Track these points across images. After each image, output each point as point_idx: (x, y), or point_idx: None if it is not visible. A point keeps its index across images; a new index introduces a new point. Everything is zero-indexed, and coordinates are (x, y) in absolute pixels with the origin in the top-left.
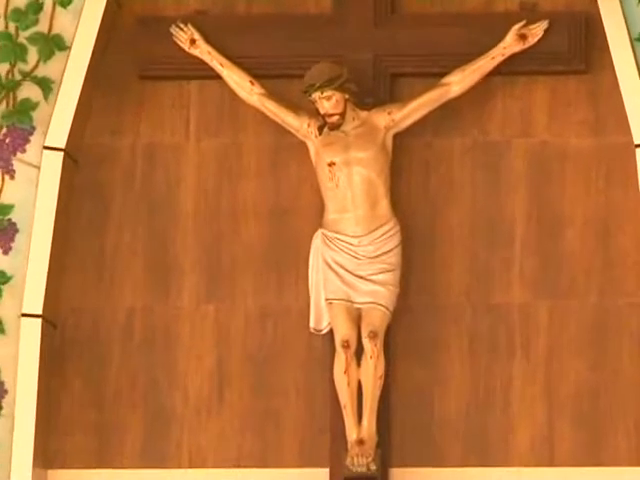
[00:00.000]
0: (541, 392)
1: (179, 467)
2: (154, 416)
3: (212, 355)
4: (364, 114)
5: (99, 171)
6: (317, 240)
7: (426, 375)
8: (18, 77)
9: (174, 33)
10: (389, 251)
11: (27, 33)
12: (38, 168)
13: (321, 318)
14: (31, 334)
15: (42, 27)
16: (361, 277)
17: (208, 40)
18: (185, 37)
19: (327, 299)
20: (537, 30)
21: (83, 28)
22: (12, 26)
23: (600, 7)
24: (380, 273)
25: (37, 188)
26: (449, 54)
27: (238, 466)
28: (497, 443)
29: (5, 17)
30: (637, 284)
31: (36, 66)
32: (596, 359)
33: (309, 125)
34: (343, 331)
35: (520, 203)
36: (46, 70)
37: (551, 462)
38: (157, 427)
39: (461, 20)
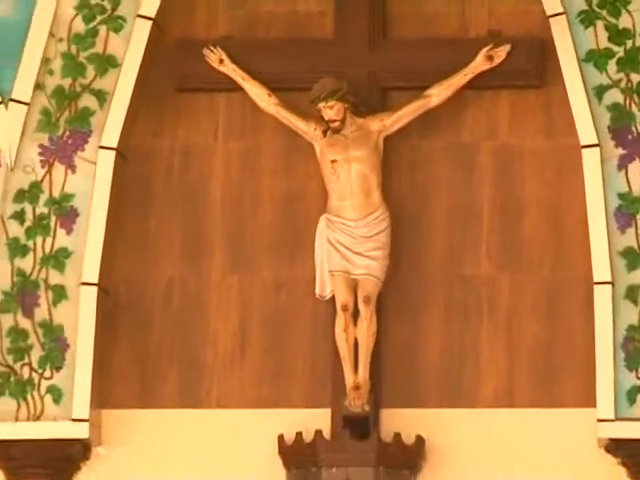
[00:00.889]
0: (503, 348)
1: (209, 407)
2: (188, 367)
3: (236, 318)
4: (360, 120)
5: (144, 166)
6: (322, 223)
7: (410, 333)
8: (79, 89)
9: (205, 54)
10: (380, 232)
11: (86, 54)
12: (95, 164)
13: (325, 287)
14: (88, 300)
15: (98, 49)
16: (357, 253)
17: (233, 59)
18: (214, 57)
19: (330, 271)
20: (501, 52)
21: (131, 49)
22: (74, 48)
23: (553, 33)
24: (373, 250)
25: (94, 180)
26: (430, 72)
27: (256, 407)
28: (467, 389)
29: (68, 40)
30: (582, 260)
31: (93, 80)
32: (548, 322)
33: (315, 129)
34: (342, 297)
35: (487, 194)
36: (101, 84)
37: (511, 404)
38: (190, 376)
39: (440, 44)
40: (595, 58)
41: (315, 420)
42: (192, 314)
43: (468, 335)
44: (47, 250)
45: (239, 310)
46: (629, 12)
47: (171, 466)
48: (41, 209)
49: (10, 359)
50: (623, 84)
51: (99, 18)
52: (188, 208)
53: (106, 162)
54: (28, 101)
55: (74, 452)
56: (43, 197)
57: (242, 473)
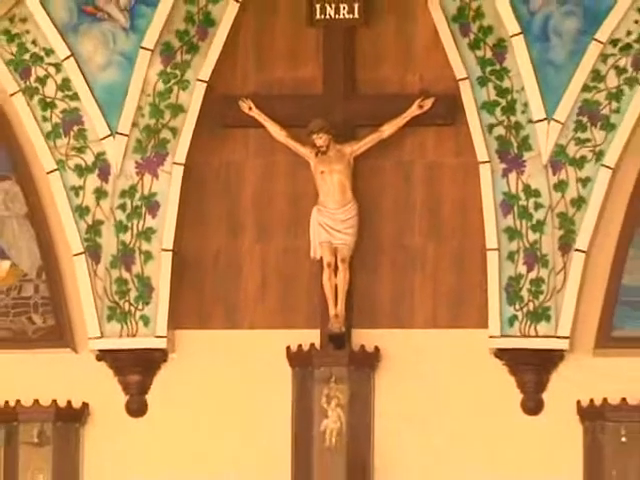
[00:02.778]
0: (430, 291)
1: (242, 328)
2: (229, 303)
3: (259, 271)
4: (338, 146)
5: (202, 175)
6: (315, 211)
7: (371, 281)
8: (160, 126)
9: (240, 104)
10: (351, 217)
11: (164, 103)
12: (170, 174)
13: (316, 252)
14: (166, 260)
15: (172, 100)
16: (337, 230)
17: (258, 107)
18: (246, 105)
19: (320, 242)
20: (428, 103)
21: (194, 100)
22: (157, 100)
23: (461, 90)
24: (346, 228)
25: (170, 184)
26: (383, 115)
27: (273, 328)
28: (406, 317)
29: (153, 95)
30: (479, 235)
31: (169, 121)
32: (458, 274)
33: (310, 152)
34: (327, 258)
35: (419, 194)
36: (174, 123)
37: (435, 326)
38: (231, 309)
39: (389, 97)
40: (487, 107)
41: (310, 337)
42: (231, 269)
43: (407, 282)
44: (140, 229)
45: (261, 267)
46: (509, 77)
47: (219, 364)
48: (136, 202)
49: (117, 297)
50: (505, 123)
51: (172, 81)
52: (229, 201)
53: (177, 172)
54: (128, 133)
55: (156, 357)
56: (137, 195)
57: (264, 369)
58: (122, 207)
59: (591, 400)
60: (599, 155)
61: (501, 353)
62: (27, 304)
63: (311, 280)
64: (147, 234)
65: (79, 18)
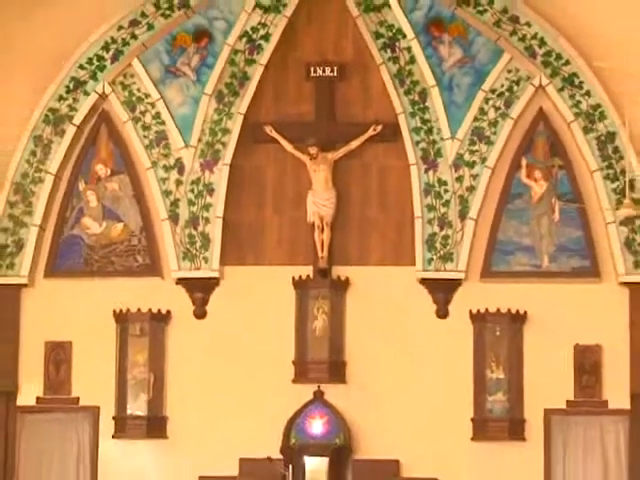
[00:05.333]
0: (384, 241)
1: (263, 265)
2: (257, 250)
3: (276, 233)
4: (324, 154)
5: (239, 172)
6: (309, 194)
7: (344, 235)
8: (215, 142)
9: (264, 127)
10: (331, 197)
11: (217, 127)
12: (221, 171)
13: (311, 218)
14: (218, 223)
15: (222, 125)
16: (323, 205)
17: (275, 130)
18: (269, 129)
19: (313, 212)
20: (379, 128)
21: (235, 126)
22: (213, 125)
23: (399, 119)
24: (329, 204)
25: (221, 178)
26: (352, 135)
27: (282, 265)
28: (367, 257)
29: (211, 122)
30: (410, 208)
31: (220, 138)
32: (397, 234)
33: (306, 157)
34: (317, 222)
35: (375, 183)
36: (223, 139)
37: (396, 264)
38: (259, 254)
39: (356, 124)
40: (415, 130)
41: (306, 271)
42: (258, 229)
43: (366, 238)
44: (202, 204)
45: (277, 228)
46: (429, 112)
47: (250, 287)
48: (200, 188)
49: (188, 246)
50: (426, 140)
51: (222, 114)
52: (257, 188)
53: (225, 170)
54: (195, 145)
55: (212, 282)
56: (201, 183)
57: (278, 291)
58: (192, 191)
59: (478, 310)
60: (483, 160)
61: (424, 281)
62: (133, 250)
63: (307, 236)
64: (207, 207)
65: (166, 75)
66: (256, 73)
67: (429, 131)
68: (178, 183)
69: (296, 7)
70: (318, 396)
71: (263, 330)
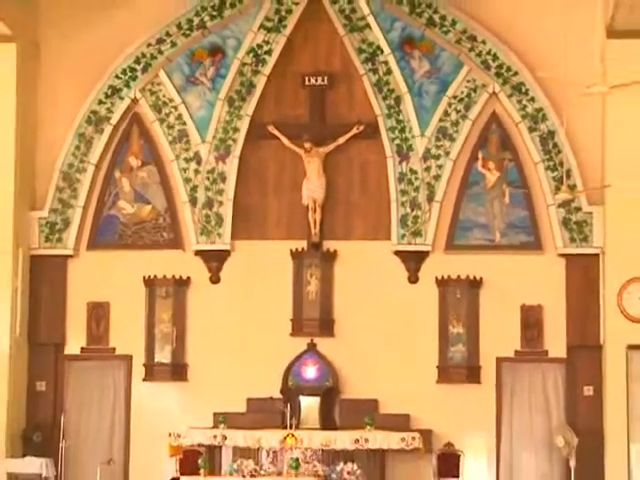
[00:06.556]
0: (366, 219)
1: (266, 239)
2: (262, 227)
3: (276, 212)
4: (316, 148)
5: (246, 163)
6: (305, 181)
7: (332, 214)
8: (227, 138)
9: (267, 126)
10: (322, 184)
11: (229, 126)
12: (232, 162)
13: (306, 201)
14: (229, 205)
15: (233, 125)
16: (316, 190)
17: (276, 129)
18: (271, 128)
19: (307, 196)
20: (362, 127)
21: (244, 125)
22: (225, 124)
23: (379, 121)
24: (320, 189)
25: (231, 168)
26: (340, 132)
27: (282, 239)
28: (354, 232)
29: (224, 123)
30: (387, 193)
31: (231, 135)
32: (376, 214)
33: (302, 151)
34: (310, 204)
35: (357, 173)
36: (234, 136)
37: (374, 239)
38: (263, 230)
39: (342, 125)
40: (391, 129)
41: (301, 244)
42: (262, 210)
43: (350, 216)
44: (216, 189)
45: (277, 209)
46: (402, 114)
47: (256, 257)
48: (214, 176)
49: (205, 223)
50: (400, 137)
51: (233, 115)
52: (262, 177)
53: (235, 162)
54: (210, 141)
55: (224, 254)
56: (215, 172)
57: (279, 261)
58: (207, 178)
59: (442, 276)
60: (447, 153)
61: (398, 253)
62: (160, 227)
63: (303, 215)
64: (220, 192)
65: (186, 83)
66: (260, 82)
67: (402, 130)
68: (196, 172)
69: (294, 28)
70: (311, 347)
71: (266, 293)
